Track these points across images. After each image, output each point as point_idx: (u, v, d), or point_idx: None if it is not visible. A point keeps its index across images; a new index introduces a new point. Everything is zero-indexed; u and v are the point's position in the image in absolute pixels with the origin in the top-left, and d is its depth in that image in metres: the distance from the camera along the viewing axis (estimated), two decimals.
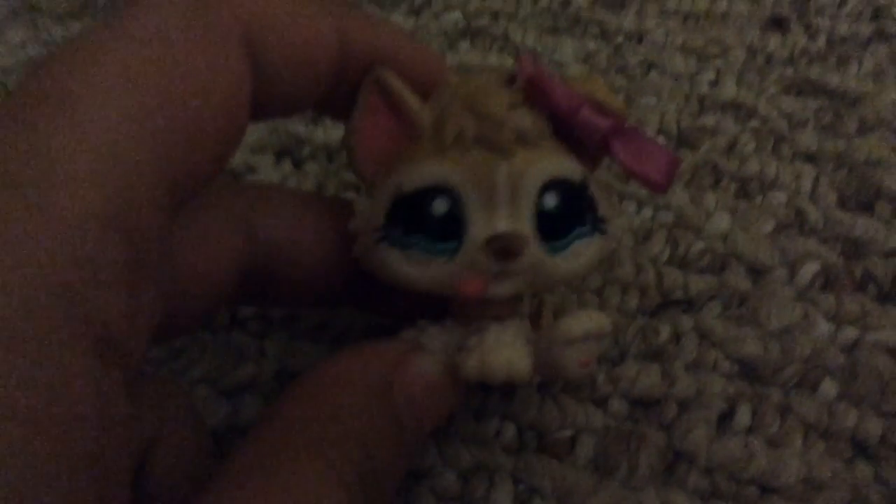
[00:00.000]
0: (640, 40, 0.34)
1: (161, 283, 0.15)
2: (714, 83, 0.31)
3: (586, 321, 0.18)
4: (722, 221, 0.26)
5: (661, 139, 0.29)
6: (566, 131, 0.18)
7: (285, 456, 0.16)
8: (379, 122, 0.19)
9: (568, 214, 0.18)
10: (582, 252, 0.18)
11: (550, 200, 0.18)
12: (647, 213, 0.27)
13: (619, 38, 0.34)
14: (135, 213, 0.14)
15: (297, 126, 0.32)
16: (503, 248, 0.17)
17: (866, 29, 0.33)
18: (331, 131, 0.31)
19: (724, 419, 0.22)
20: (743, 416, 0.22)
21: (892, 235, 0.25)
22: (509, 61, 0.34)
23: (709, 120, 0.30)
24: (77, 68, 0.14)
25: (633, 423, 0.22)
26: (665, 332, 0.24)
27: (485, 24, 0.36)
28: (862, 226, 0.26)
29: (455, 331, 0.19)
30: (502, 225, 0.17)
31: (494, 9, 0.37)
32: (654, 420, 0.22)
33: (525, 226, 0.17)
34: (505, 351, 0.18)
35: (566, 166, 0.18)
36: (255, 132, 0.31)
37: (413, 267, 0.18)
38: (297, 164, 0.30)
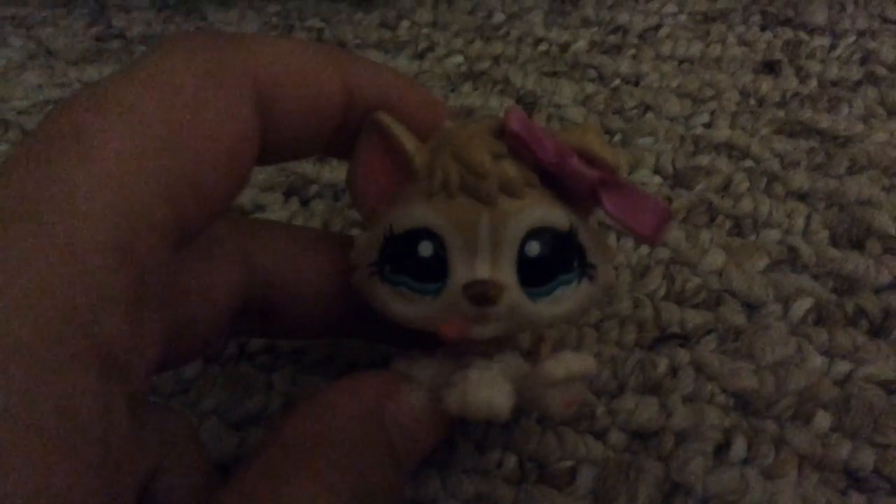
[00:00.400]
0: (636, 83, 0.35)
1: (164, 313, 0.16)
2: (708, 125, 0.32)
3: (570, 364, 0.18)
4: (717, 258, 0.27)
5: (657, 179, 0.30)
6: (558, 178, 0.19)
7: (284, 477, 0.17)
8: (378, 162, 0.20)
9: (551, 262, 0.18)
10: (566, 298, 0.19)
11: (533, 248, 0.18)
12: (645, 249, 0.28)
13: (617, 82, 0.35)
14: (140, 245, 0.14)
15: (305, 166, 0.33)
16: (479, 294, 0.18)
17: (856, 72, 0.34)
18: (337, 171, 0.32)
19: (721, 451, 0.22)
20: (738, 448, 0.22)
21: (883, 272, 0.26)
22: (510, 103, 0.35)
23: (703, 160, 0.31)
24: (92, 110, 0.15)
25: (632, 454, 0.23)
26: (662, 365, 0.24)
27: (486, 68, 0.37)
28: (853, 263, 0.26)
29: (445, 363, 0.19)
30: (481, 272, 0.18)
31: (495, 53, 0.38)
32: (652, 451, 0.23)
33: (505, 273, 0.18)
34: (486, 390, 0.18)
35: (551, 215, 0.18)
36: (264, 172, 0.32)
37: (401, 303, 0.19)
38: (305, 203, 0.31)
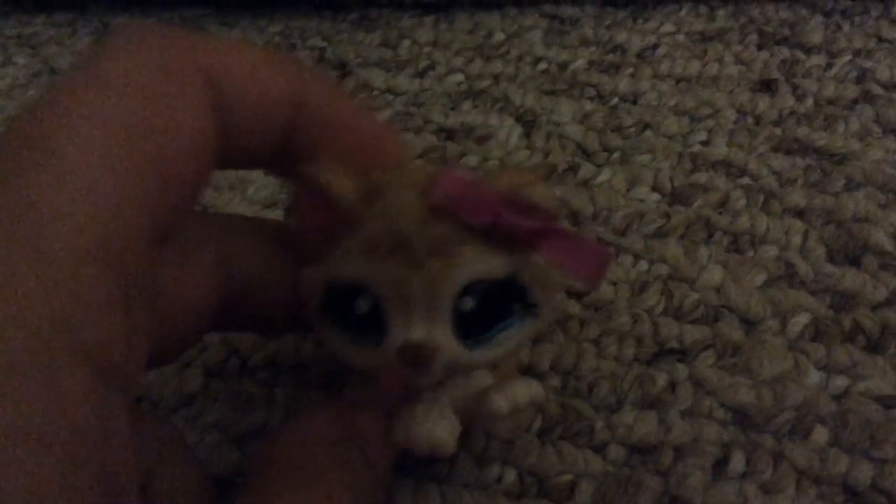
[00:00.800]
0: (634, 102, 0.35)
1: (149, 313, 0.16)
2: (706, 142, 0.33)
3: (516, 395, 0.19)
4: (715, 274, 0.27)
5: (655, 196, 0.31)
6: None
7: (288, 494, 0.17)
8: (317, 206, 0.19)
9: (489, 313, 0.19)
10: (506, 340, 0.19)
11: (467, 303, 0.18)
12: (643, 266, 0.28)
13: (615, 100, 0.36)
14: (122, 248, 0.15)
15: None
16: (413, 358, 0.18)
17: (852, 91, 0.34)
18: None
19: (719, 465, 0.22)
20: (737, 463, 0.22)
21: (880, 288, 0.26)
22: (509, 121, 0.35)
23: (701, 177, 0.31)
24: (58, 117, 0.15)
25: (631, 468, 0.23)
26: (661, 380, 0.24)
27: (486, 86, 0.37)
28: (850, 279, 0.27)
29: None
30: (416, 333, 0.18)
31: (495, 71, 0.38)
32: (650, 466, 0.23)
33: (440, 330, 0.18)
34: (428, 425, 0.19)
35: (486, 267, 0.18)
36: (266, 189, 0.33)
37: (345, 348, 0.19)
38: None
